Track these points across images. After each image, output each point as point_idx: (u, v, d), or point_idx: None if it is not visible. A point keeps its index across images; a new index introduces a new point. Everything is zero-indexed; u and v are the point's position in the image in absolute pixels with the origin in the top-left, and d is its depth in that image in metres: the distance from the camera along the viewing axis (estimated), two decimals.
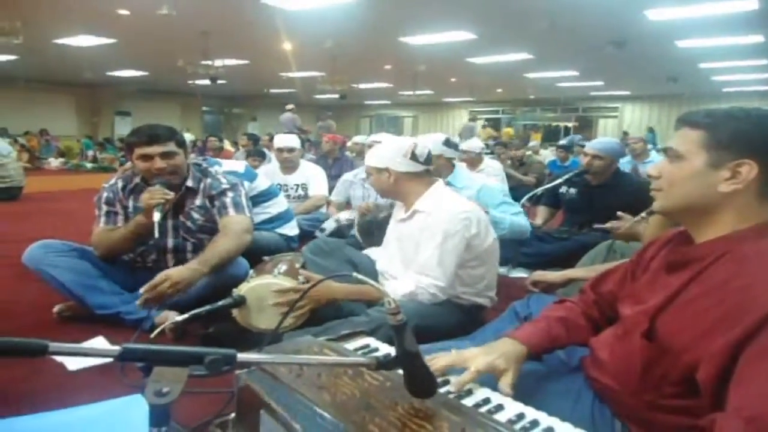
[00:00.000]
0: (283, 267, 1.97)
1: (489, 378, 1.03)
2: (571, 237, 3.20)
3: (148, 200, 2.05)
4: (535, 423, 0.88)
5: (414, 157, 1.91)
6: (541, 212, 3.71)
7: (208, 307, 1.76)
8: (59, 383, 1.66)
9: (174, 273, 1.90)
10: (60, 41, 9.41)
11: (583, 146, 6.41)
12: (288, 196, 3.87)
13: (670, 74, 11.94)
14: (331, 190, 4.07)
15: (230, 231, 2.18)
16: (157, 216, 2.02)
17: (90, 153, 13.38)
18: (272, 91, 17.44)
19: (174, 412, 0.68)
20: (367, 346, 1.22)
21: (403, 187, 1.94)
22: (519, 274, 3.07)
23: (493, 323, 1.61)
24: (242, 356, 0.71)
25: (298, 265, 2.02)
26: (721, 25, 7.21)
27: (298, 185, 4.07)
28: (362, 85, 15.30)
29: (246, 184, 2.53)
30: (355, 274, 0.95)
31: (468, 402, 0.95)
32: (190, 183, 2.26)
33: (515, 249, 3.12)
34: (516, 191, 4.52)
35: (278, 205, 3.16)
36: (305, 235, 3.30)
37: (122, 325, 2.05)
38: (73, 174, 10.93)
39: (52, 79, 15.30)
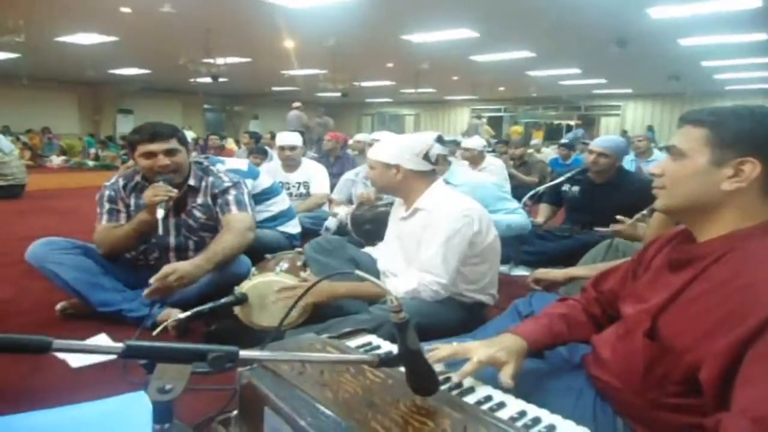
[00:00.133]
0: (284, 265, 1.97)
1: (491, 376, 1.03)
2: (573, 235, 3.19)
3: (152, 197, 2.06)
4: (536, 420, 0.88)
5: (427, 157, 1.92)
6: (543, 210, 3.70)
7: (210, 304, 1.77)
8: (62, 380, 1.67)
9: (180, 266, 1.92)
10: (62, 39, 9.41)
11: (586, 144, 6.41)
12: (290, 194, 3.87)
13: (673, 72, 11.89)
14: (332, 188, 4.07)
15: (233, 228, 2.19)
16: (160, 213, 2.02)
17: (92, 151, 13.40)
18: (274, 89, 17.42)
19: (177, 409, 0.69)
20: (369, 343, 1.22)
21: (408, 184, 1.94)
22: (520, 272, 3.06)
23: (495, 321, 1.61)
24: (245, 353, 0.71)
25: (299, 263, 2.02)
26: (723, 22, 7.18)
27: (299, 183, 4.07)
28: (364, 83, 15.28)
29: (249, 182, 2.53)
30: (357, 271, 0.95)
31: (470, 399, 0.95)
32: (191, 181, 2.27)
33: (517, 247, 3.12)
34: (517, 190, 4.52)
35: (280, 203, 3.17)
36: (307, 233, 3.30)
37: (124, 323, 2.06)
38: (75, 172, 10.96)
39: (55, 77, 15.30)
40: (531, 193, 3.50)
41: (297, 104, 10.85)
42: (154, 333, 1.81)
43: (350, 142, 6.79)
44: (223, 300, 1.78)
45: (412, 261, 1.92)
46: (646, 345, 0.97)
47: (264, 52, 10.41)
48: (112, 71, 13.89)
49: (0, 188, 5.91)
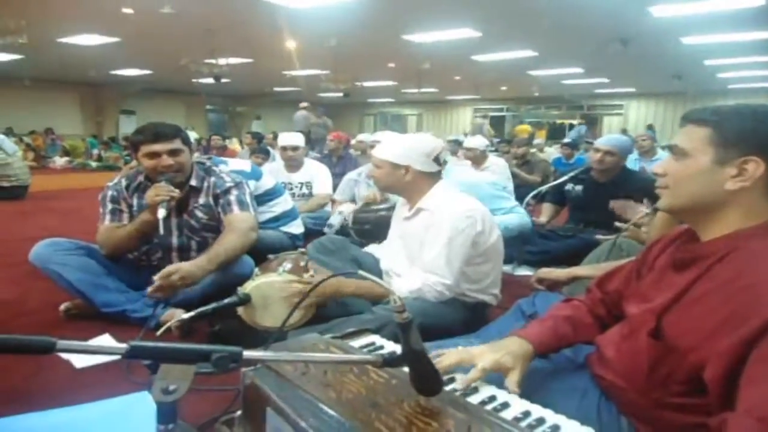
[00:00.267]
0: (288, 265, 1.97)
1: (495, 376, 1.03)
2: (576, 235, 3.19)
3: (154, 197, 2.06)
4: (541, 420, 0.88)
5: (437, 159, 1.93)
6: (546, 209, 3.69)
7: (214, 304, 1.77)
8: (66, 381, 1.67)
9: (182, 266, 1.93)
10: (64, 40, 9.44)
11: (590, 143, 6.39)
12: (292, 195, 3.87)
13: (675, 71, 11.86)
14: (335, 188, 4.07)
15: (235, 228, 2.19)
16: (162, 213, 2.03)
17: (95, 152, 13.43)
18: (276, 89, 17.43)
19: (180, 409, 0.69)
20: (373, 343, 1.22)
21: (414, 185, 1.94)
22: (524, 272, 3.06)
23: (498, 321, 1.61)
24: (248, 354, 0.71)
25: (302, 264, 2.02)
26: (726, 21, 7.16)
27: (302, 183, 4.08)
28: (366, 83, 15.28)
29: (252, 183, 2.53)
30: (360, 272, 0.95)
31: (474, 399, 0.95)
32: (193, 182, 2.27)
33: (520, 247, 3.11)
34: (520, 190, 4.51)
35: (283, 203, 3.17)
36: (310, 234, 3.30)
37: (128, 323, 2.06)
38: (78, 173, 10.98)
39: (57, 78, 15.34)
40: (534, 192, 3.50)
41: (304, 104, 10.76)
42: (158, 333, 1.80)
43: (352, 142, 6.80)
44: (226, 300, 1.78)
45: (414, 261, 1.93)
46: (650, 345, 0.96)
47: (266, 52, 10.42)
48: (114, 72, 13.92)
49: (3, 189, 5.92)
